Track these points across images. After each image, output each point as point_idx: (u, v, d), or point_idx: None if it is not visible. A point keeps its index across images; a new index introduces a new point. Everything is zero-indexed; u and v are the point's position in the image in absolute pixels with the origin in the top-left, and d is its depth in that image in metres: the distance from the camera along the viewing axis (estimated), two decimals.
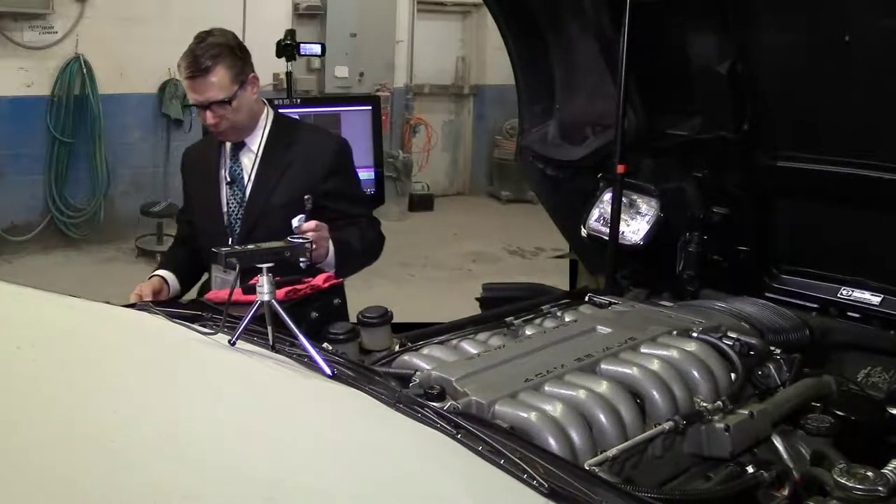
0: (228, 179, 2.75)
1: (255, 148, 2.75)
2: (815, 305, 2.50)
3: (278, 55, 4.34)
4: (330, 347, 1.85)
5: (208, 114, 2.62)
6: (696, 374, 1.78)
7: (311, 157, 2.75)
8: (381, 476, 1.07)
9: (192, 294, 2.79)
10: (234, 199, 2.75)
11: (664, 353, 1.83)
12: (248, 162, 2.75)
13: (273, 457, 1.07)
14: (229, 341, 1.47)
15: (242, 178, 2.74)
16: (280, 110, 3.36)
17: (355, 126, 3.55)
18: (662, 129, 2.67)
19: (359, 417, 1.29)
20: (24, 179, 7.51)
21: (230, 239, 2.69)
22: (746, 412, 1.71)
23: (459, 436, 1.24)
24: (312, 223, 2.49)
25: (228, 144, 2.77)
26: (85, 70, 7.51)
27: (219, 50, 2.60)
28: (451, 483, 1.10)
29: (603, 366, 1.76)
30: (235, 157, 2.77)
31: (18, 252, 7.51)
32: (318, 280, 2.19)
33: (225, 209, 2.75)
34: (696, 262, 2.59)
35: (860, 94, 2.22)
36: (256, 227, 2.68)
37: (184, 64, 2.61)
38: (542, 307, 2.31)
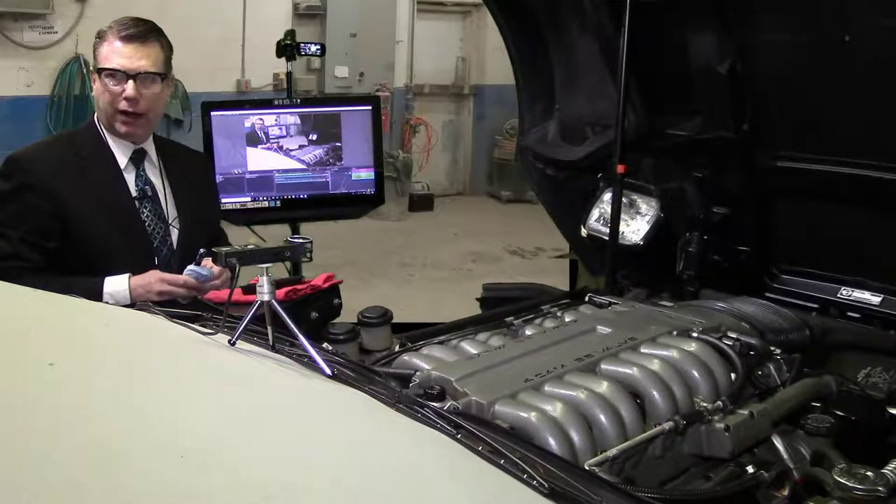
0: (142, 195, 2.45)
1: (154, 159, 2.50)
2: (815, 305, 2.50)
3: (278, 55, 4.34)
4: (330, 347, 1.85)
5: (130, 84, 2.34)
6: (696, 374, 1.78)
7: (198, 174, 2.67)
8: (381, 476, 1.06)
9: None
10: (154, 215, 2.45)
11: (664, 353, 1.83)
12: (154, 176, 2.49)
13: (273, 457, 1.07)
14: (229, 341, 1.47)
15: (156, 192, 2.47)
16: (280, 110, 3.36)
17: (355, 126, 3.54)
18: (662, 129, 2.67)
19: (359, 417, 1.28)
20: None
21: (156, 259, 2.41)
22: (746, 412, 1.71)
23: (459, 436, 1.24)
24: (217, 269, 2.26)
25: (122, 156, 2.45)
26: (85, 70, 7.51)
27: (157, 28, 2.45)
28: (451, 483, 1.10)
29: (603, 366, 1.76)
30: (139, 169, 2.47)
31: None
32: (318, 280, 2.20)
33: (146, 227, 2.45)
34: (696, 262, 2.60)
35: (860, 94, 2.22)
36: (191, 246, 2.39)
37: (117, 26, 2.39)
38: (542, 307, 2.32)
